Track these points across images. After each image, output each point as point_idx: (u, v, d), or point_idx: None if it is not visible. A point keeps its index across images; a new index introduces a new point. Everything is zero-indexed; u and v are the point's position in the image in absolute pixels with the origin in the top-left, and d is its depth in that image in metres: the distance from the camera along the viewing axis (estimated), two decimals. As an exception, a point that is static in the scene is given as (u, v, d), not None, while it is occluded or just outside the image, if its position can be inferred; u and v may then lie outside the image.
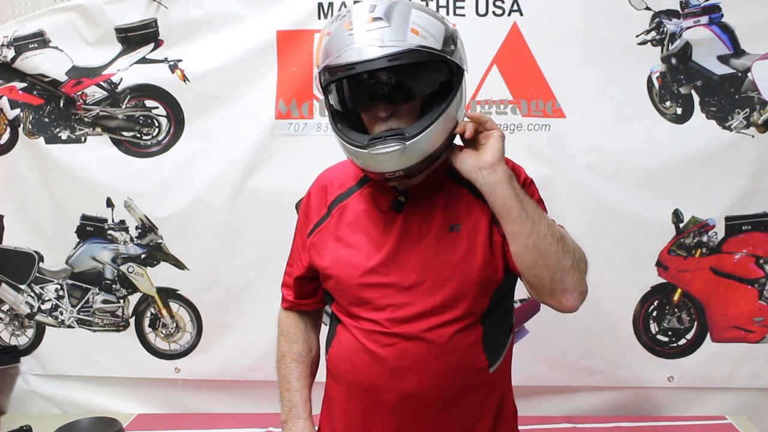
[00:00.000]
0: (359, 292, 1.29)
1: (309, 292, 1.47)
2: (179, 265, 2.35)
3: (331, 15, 2.19)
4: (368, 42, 1.14)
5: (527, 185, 1.31)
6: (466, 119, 1.25)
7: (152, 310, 2.40)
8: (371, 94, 1.19)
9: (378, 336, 1.27)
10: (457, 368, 1.26)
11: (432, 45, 1.16)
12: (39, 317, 2.44)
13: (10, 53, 2.28)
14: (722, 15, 2.09)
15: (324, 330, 1.52)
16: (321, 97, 1.45)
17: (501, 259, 1.27)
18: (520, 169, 1.34)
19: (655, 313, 2.26)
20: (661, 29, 2.12)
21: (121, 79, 2.29)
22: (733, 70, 2.12)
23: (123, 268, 2.38)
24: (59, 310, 2.43)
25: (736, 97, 2.13)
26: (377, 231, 1.30)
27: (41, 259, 2.42)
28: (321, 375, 1.49)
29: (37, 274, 2.42)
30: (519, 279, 1.31)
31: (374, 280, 1.28)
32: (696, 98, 2.15)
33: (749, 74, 2.12)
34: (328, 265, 1.33)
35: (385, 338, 1.26)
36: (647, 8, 2.12)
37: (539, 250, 1.19)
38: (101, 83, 2.29)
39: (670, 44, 2.13)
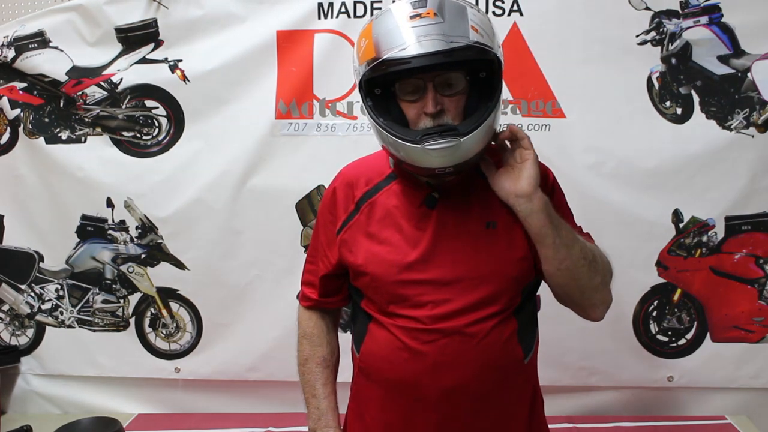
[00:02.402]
0: (397, 289, 1.28)
1: (334, 290, 1.44)
2: (179, 265, 2.35)
3: (332, 15, 2.19)
4: (432, 36, 1.14)
5: (554, 189, 1.33)
6: (504, 127, 1.27)
7: (152, 310, 2.40)
8: (426, 88, 1.19)
9: (418, 333, 1.26)
10: (497, 361, 1.27)
11: (488, 43, 1.18)
12: (39, 317, 2.44)
13: (10, 53, 2.28)
14: (722, 15, 2.09)
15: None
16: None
17: (535, 256, 1.29)
18: (548, 171, 1.34)
19: (655, 313, 2.26)
20: (661, 29, 2.12)
21: (121, 79, 2.29)
22: (733, 70, 2.12)
23: (123, 268, 2.38)
24: (59, 310, 2.43)
25: (736, 97, 2.13)
26: (411, 227, 1.29)
27: (41, 259, 2.42)
28: (342, 375, 1.47)
29: (37, 274, 2.42)
30: None
31: (413, 276, 1.27)
32: (696, 98, 2.15)
33: (749, 74, 2.12)
34: (362, 262, 1.31)
35: (426, 335, 1.26)
36: (647, 8, 2.12)
37: (571, 273, 1.23)
38: (101, 83, 2.30)
39: (670, 44, 2.13)
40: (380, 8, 2.17)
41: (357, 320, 1.41)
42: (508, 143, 1.26)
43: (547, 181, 1.30)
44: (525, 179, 1.21)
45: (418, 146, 1.17)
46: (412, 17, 1.16)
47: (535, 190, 1.21)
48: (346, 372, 1.47)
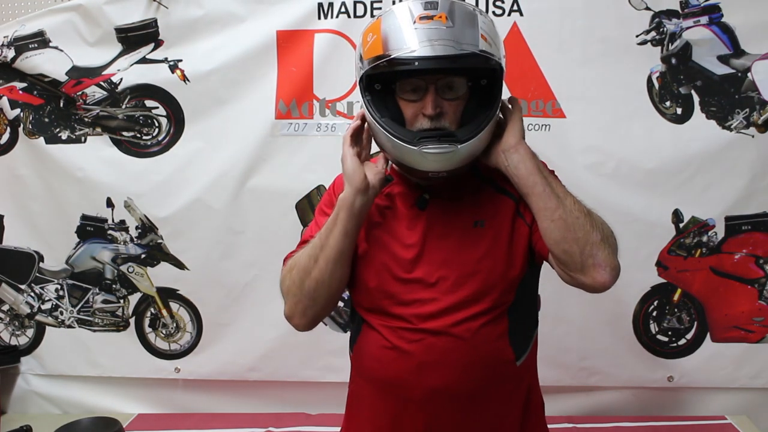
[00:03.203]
0: (384, 288, 1.29)
1: None
2: (179, 265, 2.35)
3: (332, 15, 2.19)
4: (442, 40, 1.15)
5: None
6: None
7: (152, 310, 2.40)
8: (427, 90, 1.20)
9: (404, 332, 1.27)
10: (484, 362, 1.27)
11: (494, 53, 1.20)
12: (39, 317, 2.44)
13: (10, 53, 2.28)
14: (722, 15, 2.09)
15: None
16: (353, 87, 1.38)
17: (525, 251, 1.29)
18: (543, 163, 1.34)
19: (655, 313, 2.26)
20: (661, 29, 2.12)
21: (121, 79, 2.29)
22: (733, 70, 2.12)
23: (123, 268, 2.38)
24: (59, 310, 2.43)
25: (736, 97, 2.13)
26: (402, 228, 1.30)
27: (41, 259, 2.42)
28: (342, 375, 1.46)
29: (37, 274, 2.42)
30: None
31: (400, 275, 1.28)
32: (696, 98, 2.15)
33: (749, 74, 2.11)
34: (354, 260, 1.32)
35: (412, 334, 1.27)
36: (647, 8, 2.12)
37: (566, 223, 1.20)
38: (101, 83, 2.29)
39: (670, 44, 2.13)
40: (380, 8, 2.17)
41: (353, 320, 1.42)
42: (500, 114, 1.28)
43: None
44: (510, 134, 1.25)
45: (415, 148, 1.18)
46: (422, 18, 1.17)
47: (520, 141, 1.24)
48: (344, 372, 1.47)
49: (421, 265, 1.27)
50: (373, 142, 1.31)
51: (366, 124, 1.29)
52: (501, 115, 1.30)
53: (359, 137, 1.29)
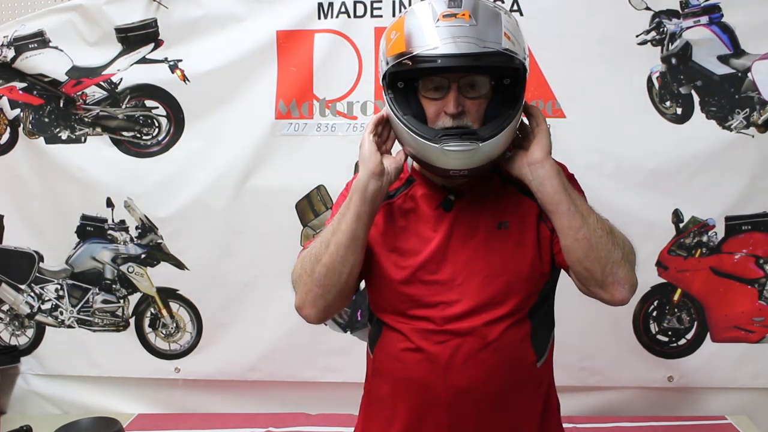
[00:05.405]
0: (408, 289, 1.28)
1: None
2: (179, 265, 2.35)
3: (332, 15, 2.19)
4: (465, 38, 1.14)
5: (570, 181, 1.32)
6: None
7: (152, 310, 2.40)
8: (450, 88, 1.19)
9: (429, 334, 1.26)
10: (508, 364, 1.27)
11: (518, 52, 1.19)
12: (39, 317, 2.44)
13: (10, 53, 2.28)
14: (722, 15, 2.09)
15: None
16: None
17: (548, 254, 1.28)
18: (563, 165, 1.34)
19: (655, 313, 2.26)
20: (661, 29, 2.12)
21: (121, 79, 2.29)
22: (733, 70, 2.12)
23: (123, 268, 2.38)
24: (59, 310, 2.43)
25: (736, 97, 2.13)
26: (426, 229, 1.29)
27: (41, 259, 2.42)
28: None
29: (37, 274, 2.42)
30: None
31: (424, 277, 1.27)
32: (696, 98, 2.15)
33: (749, 74, 2.12)
34: (375, 262, 1.31)
35: (437, 336, 1.26)
36: (647, 8, 2.12)
37: (589, 243, 1.19)
38: (101, 83, 2.29)
39: (670, 44, 2.13)
40: (380, 8, 2.17)
41: (372, 321, 1.41)
42: (525, 119, 1.27)
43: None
44: (537, 147, 1.23)
45: (437, 146, 1.17)
46: (445, 16, 1.16)
47: (547, 157, 1.23)
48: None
49: (445, 266, 1.27)
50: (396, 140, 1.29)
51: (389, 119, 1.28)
52: (526, 120, 1.28)
53: (382, 129, 1.28)
